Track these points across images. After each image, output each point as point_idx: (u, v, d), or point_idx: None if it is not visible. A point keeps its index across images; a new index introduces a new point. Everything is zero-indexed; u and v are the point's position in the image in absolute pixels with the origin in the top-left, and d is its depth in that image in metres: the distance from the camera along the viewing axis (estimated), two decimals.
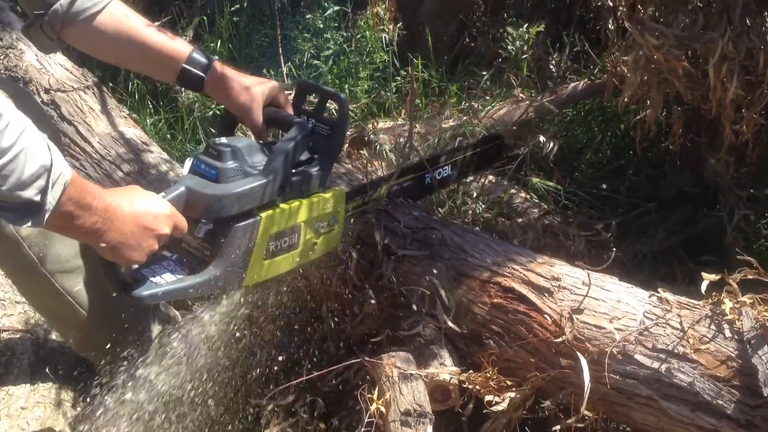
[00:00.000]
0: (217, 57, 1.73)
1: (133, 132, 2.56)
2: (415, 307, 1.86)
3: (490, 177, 2.70)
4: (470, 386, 1.71)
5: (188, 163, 1.54)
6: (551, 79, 3.26)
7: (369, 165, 2.31)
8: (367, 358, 1.75)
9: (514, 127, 2.78)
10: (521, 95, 2.90)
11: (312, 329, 1.94)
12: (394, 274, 1.90)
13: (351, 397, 1.83)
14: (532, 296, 1.78)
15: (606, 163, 2.96)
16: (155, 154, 2.49)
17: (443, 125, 2.83)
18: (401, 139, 2.93)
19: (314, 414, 1.86)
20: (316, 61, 3.25)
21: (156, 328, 2.03)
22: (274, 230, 1.54)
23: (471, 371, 1.76)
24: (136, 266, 1.43)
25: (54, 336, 2.21)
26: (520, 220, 2.69)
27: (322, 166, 1.65)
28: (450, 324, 1.79)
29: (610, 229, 2.50)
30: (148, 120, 3.05)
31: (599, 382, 1.61)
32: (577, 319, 1.71)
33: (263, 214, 1.51)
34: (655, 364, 1.59)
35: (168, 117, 3.09)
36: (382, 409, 1.65)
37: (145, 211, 1.35)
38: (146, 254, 1.38)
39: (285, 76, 3.30)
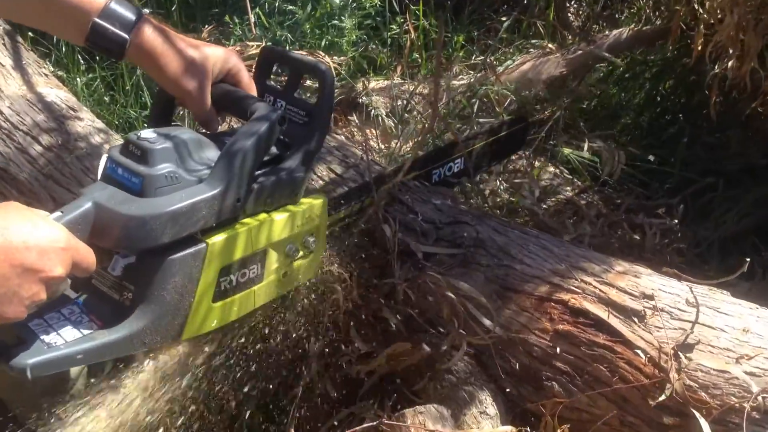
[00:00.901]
0: (149, 10, 1.17)
1: (57, 94, 2.09)
2: (442, 331, 1.38)
3: None
4: None
5: (102, 164, 1.09)
6: (569, 28, 2.72)
7: (364, 139, 1.74)
8: (385, 420, 1.21)
9: (544, 86, 2.23)
10: (550, 46, 2.34)
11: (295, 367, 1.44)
12: (410, 286, 1.41)
13: None
14: (615, 322, 1.28)
15: (649, 129, 2.43)
16: (85, 122, 2.01)
17: (452, 84, 2.28)
18: (399, 102, 2.38)
19: None
20: (290, 6, 2.65)
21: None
22: (228, 261, 1.12)
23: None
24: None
25: None
26: (552, 200, 2.18)
27: (297, 168, 1.20)
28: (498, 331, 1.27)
29: (674, 213, 1.98)
30: (79, 79, 2.45)
31: None
32: (686, 357, 1.21)
33: (211, 240, 1.10)
34: None
35: (105, 75, 2.49)
36: None
37: (25, 244, 0.95)
38: (28, 307, 0.97)
39: (253, 25, 2.71)
